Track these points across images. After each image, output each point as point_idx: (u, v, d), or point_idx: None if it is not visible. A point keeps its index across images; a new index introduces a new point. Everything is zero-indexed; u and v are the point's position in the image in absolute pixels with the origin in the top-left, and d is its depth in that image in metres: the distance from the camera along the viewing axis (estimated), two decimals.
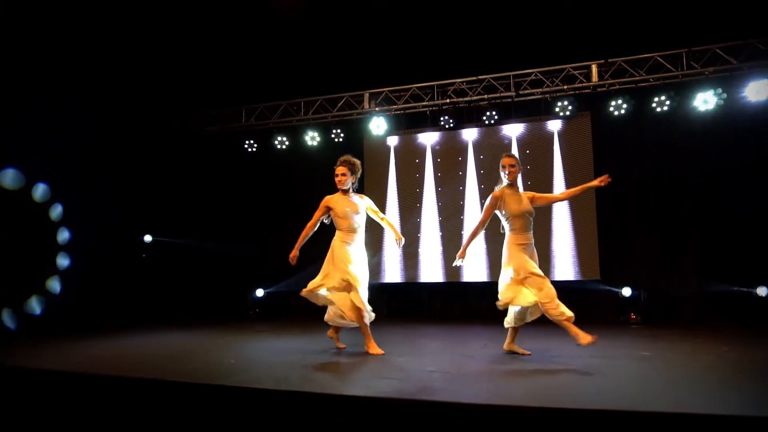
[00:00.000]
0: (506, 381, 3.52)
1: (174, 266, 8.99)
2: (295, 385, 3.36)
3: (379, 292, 8.52)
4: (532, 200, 4.44)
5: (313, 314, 8.11)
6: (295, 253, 4.80)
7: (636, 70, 7.42)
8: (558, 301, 4.08)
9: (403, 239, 4.87)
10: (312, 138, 8.95)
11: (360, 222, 4.76)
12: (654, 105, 7.40)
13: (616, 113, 7.53)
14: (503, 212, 4.39)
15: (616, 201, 7.57)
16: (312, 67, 8.69)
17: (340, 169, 4.77)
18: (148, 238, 8.54)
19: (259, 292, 8.91)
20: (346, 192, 4.78)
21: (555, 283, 7.26)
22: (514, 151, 7.99)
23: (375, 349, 4.56)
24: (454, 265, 4.66)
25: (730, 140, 7.13)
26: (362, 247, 4.79)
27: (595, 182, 4.25)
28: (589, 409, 2.67)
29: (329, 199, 4.79)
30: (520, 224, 4.33)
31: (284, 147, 9.16)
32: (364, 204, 4.83)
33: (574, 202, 7.53)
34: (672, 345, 5.04)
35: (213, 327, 7.11)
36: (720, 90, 7.07)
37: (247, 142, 9.28)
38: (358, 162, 4.87)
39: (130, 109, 8.36)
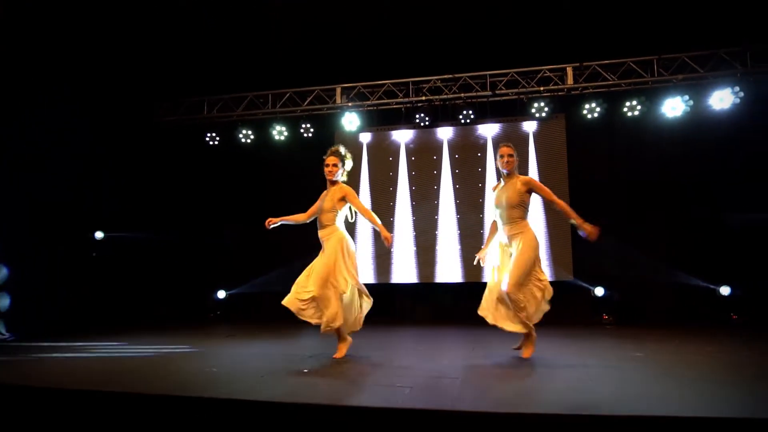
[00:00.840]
0: (506, 386, 3.38)
1: (127, 265, 8.32)
2: (305, 397, 3.06)
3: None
4: (530, 188, 4.29)
5: (278, 317, 7.76)
6: (276, 220, 4.57)
7: (609, 74, 7.55)
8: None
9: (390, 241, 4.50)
10: (279, 132, 8.55)
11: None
12: (625, 109, 7.55)
13: (589, 116, 7.63)
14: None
15: (588, 202, 7.63)
16: (281, 58, 8.31)
17: (331, 159, 4.50)
18: (99, 234, 7.86)
19: (221, 294, 8.43)
20: (334, 183, 4.50)
21: None
22: (489, 151, 7.96)
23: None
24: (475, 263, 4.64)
25: (696, 146, 7.38)
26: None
27: (586, 227, 4.07)
28: (612, 416, 2.55)
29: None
30: (498, 214, 4.35)
31: (249, 141, 8.72)
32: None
33: (548, 205, 7.56)
34: (659, 346, 5.08)
35: (173, 332, 6.58)
36: (687, 97, 7.31)
37: (209, 134, 8.76)
38: (348, 153, 4.62)
39: (83, 95, 7.65)
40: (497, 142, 7.96)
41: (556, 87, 7.69)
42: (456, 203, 7.91)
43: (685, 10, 6.98)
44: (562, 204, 4.25)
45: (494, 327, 4.31)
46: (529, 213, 4.35)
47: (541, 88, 7.67)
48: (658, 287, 7.43)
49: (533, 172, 7.77)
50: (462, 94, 7.87)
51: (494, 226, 4.53)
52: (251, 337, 6.17)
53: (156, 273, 8.49)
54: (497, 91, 7.78)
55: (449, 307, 7.91)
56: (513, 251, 4.27)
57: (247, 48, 8.16)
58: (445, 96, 7.95)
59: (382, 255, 8.01)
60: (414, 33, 7.74)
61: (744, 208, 7.13)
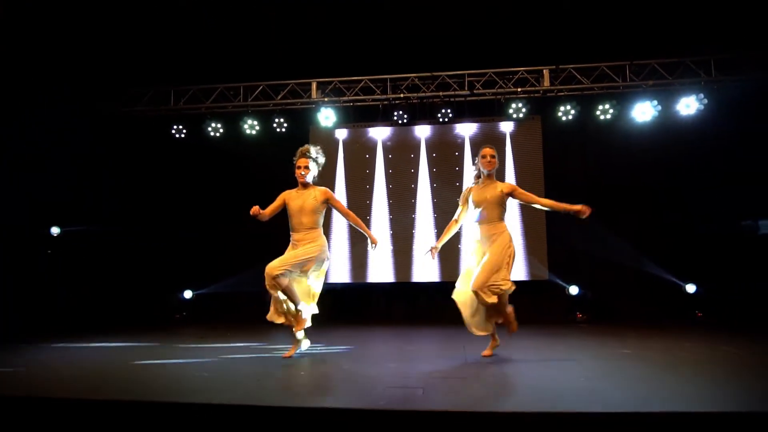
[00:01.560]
0: (505, 385, 3.35)
1: (84, 263, 7.80)
2: (308, 401, 2.91)
3: (323, 292, 8.09)
4: (511, 193, 4.29)
5: (247, 317, 7.50)
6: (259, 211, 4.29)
7: (583, 77, 7.71)
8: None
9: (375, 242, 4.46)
10: (251, 126, 8.26)
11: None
12: (598, 113, 7.74)
13: (564, 118, 7.77)
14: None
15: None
16: (254, 49, 8.02)
17: (302, 161, 4.36)
18: (55, 230, 7.32)
19: (187, 294, 8.05)
20: (306, 186, 4.38)
21: None
22: (467, 150, 7.97)
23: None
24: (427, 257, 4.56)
25: (664, 149, 7.66)
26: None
27: (576, 208, 4.12)
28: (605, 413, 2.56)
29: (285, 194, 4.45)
30: (477, 214, 4.32)
31: (218, 135, 8.37)
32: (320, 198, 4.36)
33: (524, 205, 7.64)
34: (642, 343, 5.20)
35: (140, 335, 6.16)
36: (656, 102, 7.57)
37: (175, 126, 8.35)
38: (320, 152, 4.49)
39: (40, 82, 7.10)
40: (475, 142, 8.00)
41: (532, 88, 7.79)
42: (433, 202, 7.88)
43: (657, 19, 7.23)
44: (547, 201, 4.25)
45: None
46: (506, 214, 4.32)
47: (518, 89, 7.75)
48: (629, 286, 7.66)
49: (510, 172, 7.85)
50: (440, 93, 7.85)
51: (452, 225, 4.50)
52: (226, 339, 5.88)
53: (117, 271, 8.01)
54: (475, 91, 7.80)
55: (426, 306, 7.87)
56: (487, 250, 4.22)
57: (218, 38, 7.83)
58: (423, 94, 7.89)
59: (359, 254, 7.87)
60: (392, 29, 7.66)
61: (708, 211, 7.47)
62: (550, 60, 7.71)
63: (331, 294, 7.92)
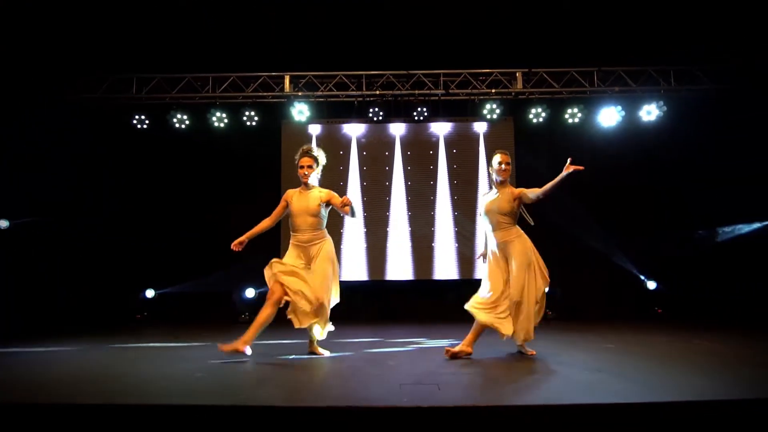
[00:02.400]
0: (533, 380, 3.39)
1: (34, 259, 7.24)
2: (309, 400, 2.82)
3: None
4: (519, 197, 4.32)
5: (213, 318, 7.24)
6: (237, 241, 4.35)
7: (554, 81, 7.94)
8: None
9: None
10: (219, 119, 7.96)
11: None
12: (567, 116, 7.99)
13: (534, 120, 7.97)
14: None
15: (533, 204, 8.01)
16: (226, 39, 7.73)
17: (305, 161, 4.32)
18: (3, 224, 6.74)
19: (149, 293, 7.65)
20: (308, 186, 4.35)
21: (477, 281, 7.50)
22: (441, 149, 8.02)
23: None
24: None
25: (629, 153, 8.01)
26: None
27: (567, 170, 4.01)
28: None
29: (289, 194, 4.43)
30: (488, 222, 4.33)
31: (183, 126, 8.01)
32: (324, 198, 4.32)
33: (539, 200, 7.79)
34: (620, 337, 5.40)
35: (104, 336, 5.78)
36: (620, 108, 7.90)
37: (137, 116, 7.92)
38: (321, 152, 4.47)
39: None
40: (449, 141, 8.06)
41: (505, 90, 7.94)
42: (408, 200, 7.87)
43: (624, 29, 7.54)
44: (546, 187, 4.14)
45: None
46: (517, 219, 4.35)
47: (492, 91, 7.88)
48: (594, 284, 7.95)
49: (483, 172, 7.96)
50: (416, 91, 7.85)
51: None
52: (202, 339, 5.61)
53: (71, 268, 7.48)
54: (450, 91, 7.85)
55: (399, 304, 7.85)
56: (509, 257, 4.25)
57: (188, 26, 7.50)
58: (398, 92, 7.87)
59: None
60: (369, 26, 7.59)
61: (667, 212, 7.88)
62: (523, 63, 7.88)
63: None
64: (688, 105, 7.88)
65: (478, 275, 7.75)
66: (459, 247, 7.86)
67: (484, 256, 4.50)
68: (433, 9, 7.36)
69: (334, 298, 4.35)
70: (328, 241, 4.35)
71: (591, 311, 7.82)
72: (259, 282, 7.63)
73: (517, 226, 4.34)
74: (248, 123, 7.89)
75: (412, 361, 4.11)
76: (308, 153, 4.34)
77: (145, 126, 7.98)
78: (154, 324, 7.23)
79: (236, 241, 4.31)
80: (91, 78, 7.84)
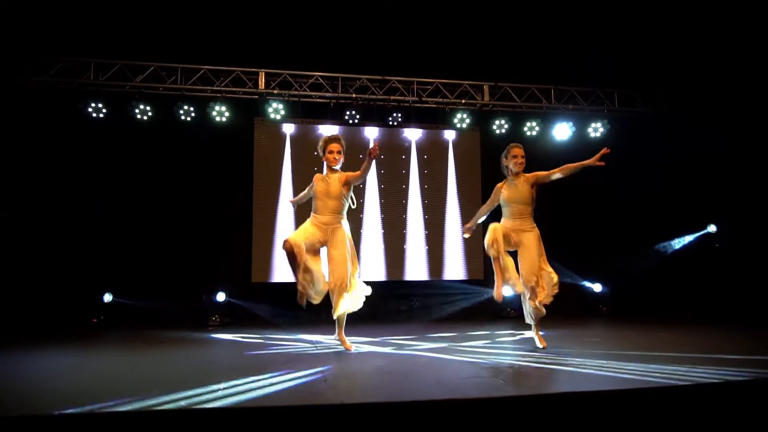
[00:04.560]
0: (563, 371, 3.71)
1: None
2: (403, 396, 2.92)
3: (265, 291, 7.75)
4: (535, 183, 4.65)
5: (176, 321, 6.94)
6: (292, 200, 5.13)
7: (516, 96, 8.51)
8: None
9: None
10: (186, 113, 7.61)
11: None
12: (526, 129, 8.60)
13: (498, 131, 8.48)
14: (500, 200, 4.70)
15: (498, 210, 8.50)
16: (200, 30, 7.43)
17: (335, 146, 4.50)
18: None
19: (107, 297, 7.11)
20: (334, 171, 4.56)
21: (446, 282, 7.83)
22: (413, 154, 8.27)
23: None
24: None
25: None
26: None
27: (593, 160, 4.56)
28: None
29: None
30: (509, 211, 4.64)
31: (146, 118, 7.56)
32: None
33: (464, 210, 8.19)
34: (602, 332, 5.95)
35: (63, 343, 5.23)
36: (572, 124, 8.65)
37: (93, 104, 7.34)
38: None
39: None
40: (420, 147, 8.33)
41: (472, 101, 8.38)
42: (381, 202, 8.02)
43: (580, 52, 8.28)
44: (566, 168, 4.59)
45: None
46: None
47: (462, 101, 8.28)
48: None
49: (452, 178, 8.33)
50: (390, 97, 8.04)
51: (483, 210, 4.84)
52: (180, 343, 5.37)
53: (18, 268, 6.75)
54: (423, 98, 8.14)
55: (375, 305, 7.94)
56: (519, 244, 4.57)
57: (157, 9, 7.12)
58: (372, 96, 8.02)
59: None
60: (348, 30, 7.68)
61: (612, 221, 8.73)
62: (490, 77, 8.37)
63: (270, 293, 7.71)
64: (628, 124, 8.81)
65: (447, 276, 8.11)
66: (429, 249, 8.15)
67: (469, 229, 4.89)
68: (410, 18, 7.63)
69: (359, 280, 4.54)
70: (346, 226, 4.50)
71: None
72: (226, 284, 7.42)
73: (532, 218, 4.62)
74: (218, 118, 7.62)
75: (450, 355, 4.28)
76: (338, 139, 4.51)
77: (101, 115, 7.42)
78: (112, 329, 6.71)
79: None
80: (41, 59, 7.16)
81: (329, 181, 4.47)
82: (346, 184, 4.47)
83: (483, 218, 4.85)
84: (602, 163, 4.57)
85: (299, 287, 4.25)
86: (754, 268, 7.52)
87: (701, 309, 7.56)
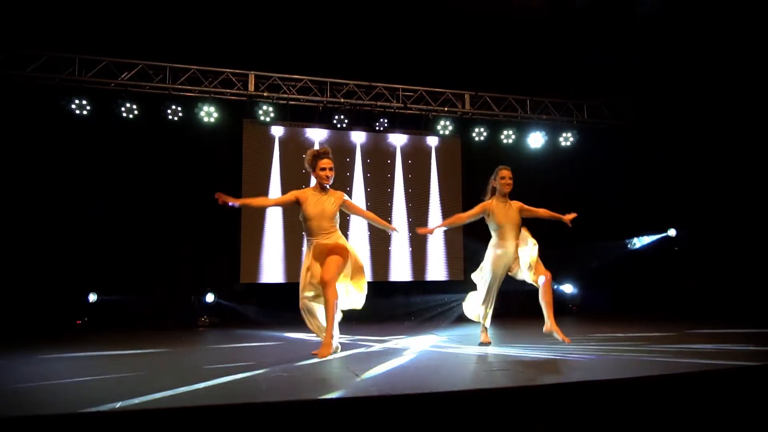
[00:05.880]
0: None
1: None
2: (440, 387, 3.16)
3: (249, 292, 7.78)
4: (519, 211, 4.79)
5: (163, 322, 6.90)
6: (232, 200, 3.99)
7: (494, 105, 8.92)
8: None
9: (396, 229, 4.45)
10: (174, 112, 7.56)
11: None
12: (503, 137, 9.03)
13: (477, 139, 8.87)
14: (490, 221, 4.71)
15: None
16: (189, 29, 7.41)
17: (330, 162, 4.11)
18: None
19: (92, 297, 6.96)
20: (325, 189, 4.16)
21: (428, 283, 8.10)
22: (398, 158, 8.52)
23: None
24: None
25: (550, 171, 9.28)
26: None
27: (566, 217, 4.82)
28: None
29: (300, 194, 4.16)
30: (501, 234, 4.68)
31: (132, 117, 7.45)
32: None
33: (446, 214, 8.51)
34: (585, 329, 6.38)
35: (48, 345, 5.04)
36: (544, 133, 9.16)
37: (76, 101, 7.18)
38: None
39: None
40: (405, 152, 8.60)
41: (454, 109, 8.72)
42: (367, 205, 8.21)
43: (553, 66, 8.79)
44: (545, 212, 4.85)
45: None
46: None
47: (445, 109, 8.61)
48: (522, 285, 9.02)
49: (434, 183, 8.64)
50: (376, 102, 8.26)
51: (459, 219, 4.79)
52: (173, 344, 5.39)
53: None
54: (408, 105, 8.41)
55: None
56: (523, 253, 4.83)
57: (148, 11, 7.07)
58: (359, 101, 8.21)
59: (294, 257, 7.80)
60: (335, 36, 7.85)
61: (583, 225, 9.25)
62: (471, 86, 8.74)
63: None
64: (596, 134, 9.41)
65: (429, 277, 8.41)
66: (413, 251, 8.42)
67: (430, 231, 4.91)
68: (397, 27, 7.90)
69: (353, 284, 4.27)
70: (339, 233, 4.20)
71: (517, 310, 8.89)
72: (214, 284, 7.42)
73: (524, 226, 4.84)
74: (206, 119, 7.61)
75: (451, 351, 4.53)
76: (328, 154, 4.12)
77: (85, 112, 7.26)
78: (96, 330, 6.58)
79: (227, 198, 3.94)
80: (20, 53, 6.94)
81: (323, 201, 4.09)
82: (344, 207, 4.20)
83: (448, 228, 5.01)
84: (569, 224, 4.81)
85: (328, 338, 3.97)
86: (713, 270, 8.25)
87: (666, 307, 8.22)
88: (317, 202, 4.07)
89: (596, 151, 9.36)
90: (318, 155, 4.11)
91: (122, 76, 7.33)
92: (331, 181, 4.12)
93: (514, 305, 8.07)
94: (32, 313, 6.57)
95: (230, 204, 3.97)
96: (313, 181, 4.17)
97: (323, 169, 4.07)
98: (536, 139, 9.13)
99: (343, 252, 4.09)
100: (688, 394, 3.29)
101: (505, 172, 4.74)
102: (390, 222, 8.22)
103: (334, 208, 4.11)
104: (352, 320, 5.64)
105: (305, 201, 4.06)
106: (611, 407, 3.14)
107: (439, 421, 2.90)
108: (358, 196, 8.24)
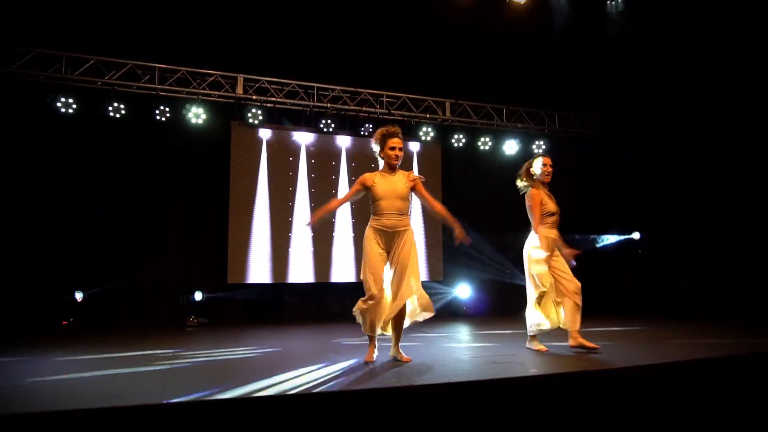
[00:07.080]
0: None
1: None
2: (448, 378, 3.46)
3: (235, 293, 7.87)
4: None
5: (160, 322, 6.96)
6: (314, 219, 4.12)
7: (473, 113, 9.32)
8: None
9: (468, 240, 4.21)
10: (162, 113, 7.60)
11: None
12: (480, 144, 9.44)
13: (456, 144, 9.24)
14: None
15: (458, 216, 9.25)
16: (180, 31, 7.48)
17: (399, 142, 4.03)
18: None
19: (78, 296, 6.92)
20: (393, 169, 4.06)
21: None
22: (381, 163, 8.77)
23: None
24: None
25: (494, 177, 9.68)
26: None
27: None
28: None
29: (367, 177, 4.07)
30: (553, 220, 4.64)
31: (119, 116, 7.44)
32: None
33: (426, 216, 8.83)
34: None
35: (38, 346, 4.99)
36: (518, 140, 9.62)
37: (62, 99, 7.12)
38: None
39: None
40: None
41: (435, 116, 9.07)
42: (352, 207, 8.43)
43: (529, 78, 9.27)
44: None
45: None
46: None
47: (427, 115, 8.94)
48: (492, 285, 9.46)
49: None
50: (362, 108, 8.52)
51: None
52: (167, 344, 5.50)
53: None
54: (392, 111, 8.70)
55: (346, 306, 8.33)
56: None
57: (138, 12, 7.12)
58: (344, 106, 8.44)
59: (280, 257, 7.95)
60: (323, 42, 8.07)
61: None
62: (452, 94, 9.12)
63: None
64: (567, 143, 9.94)
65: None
66: None
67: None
68: (383, 35, 8.19)
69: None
70: (412, 230, 4.08)
71: (497, 308, 9.33)
72: (202, 284, 7.48)
73: None
74: (194, 120, 7.67)
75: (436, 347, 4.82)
76: (398, 134, 4.04)
77: (71, 111, 7.21)
78: (84, 331, 6.56)
79: (313, 221, 4.08)
80: (4, 49, 6.84)
81: (395, 181, 3.97)
82: (414, 191, 4.04)
83: None
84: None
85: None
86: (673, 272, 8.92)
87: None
88: (388, 182, 3.97)
89: (566, 159, 9.87)
90: (388, 134, 4.01)
91: (110, 75, 7.31)
92: (399, 162, 4.02)
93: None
94: (17, 313, 6.48)
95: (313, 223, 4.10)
96: (381, 165, 4.07)
97: (392, 148, 3.99)
98: (511, 146, 9.59)
99: (416, 270, 4.01)
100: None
101: (548, 160, 4.74)
102: None
103: (406, 187, 3.98)
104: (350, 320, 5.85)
105: (374, 183, 3.99)
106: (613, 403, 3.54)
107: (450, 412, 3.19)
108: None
